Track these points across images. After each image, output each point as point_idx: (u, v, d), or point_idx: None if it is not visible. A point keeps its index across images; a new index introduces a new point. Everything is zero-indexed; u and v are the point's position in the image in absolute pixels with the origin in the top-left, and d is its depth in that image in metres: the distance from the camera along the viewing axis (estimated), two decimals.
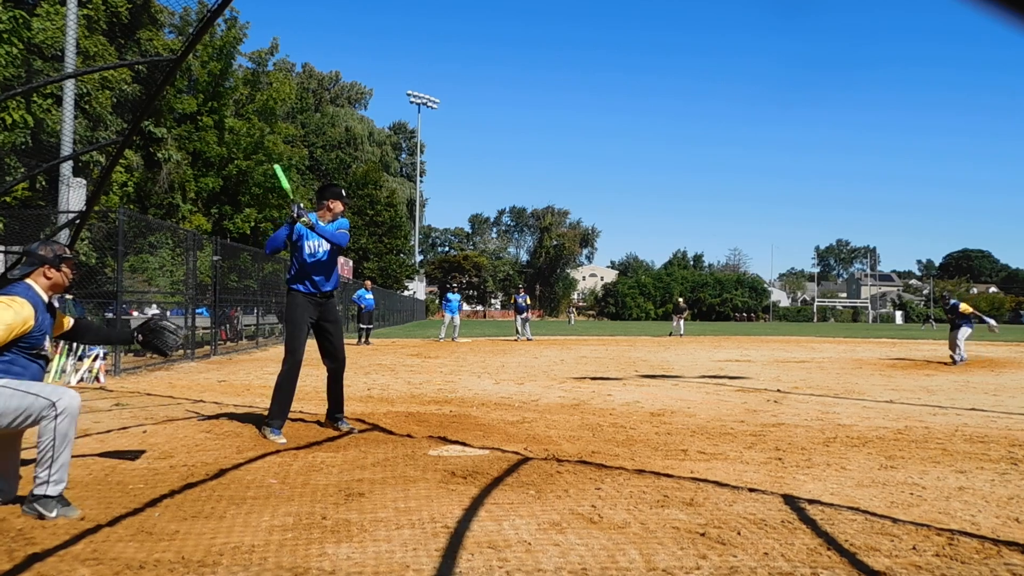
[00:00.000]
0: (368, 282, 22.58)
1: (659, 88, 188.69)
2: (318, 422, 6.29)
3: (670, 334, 28.78)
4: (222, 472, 4.31)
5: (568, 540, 3.07)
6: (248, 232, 26.19)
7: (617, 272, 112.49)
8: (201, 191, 25.05)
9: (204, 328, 16.20)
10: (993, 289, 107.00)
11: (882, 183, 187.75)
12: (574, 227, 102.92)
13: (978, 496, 3.94)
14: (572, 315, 50.83)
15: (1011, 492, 4.04)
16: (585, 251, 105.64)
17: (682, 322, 28.92)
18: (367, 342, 20.83)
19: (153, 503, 3.59)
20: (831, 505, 3.69)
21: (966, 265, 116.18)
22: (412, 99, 49.54)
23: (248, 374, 11.02)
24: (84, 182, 14.18)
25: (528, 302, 24.52)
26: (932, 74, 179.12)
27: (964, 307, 14.64)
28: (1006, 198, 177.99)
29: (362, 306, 21.36)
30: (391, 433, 5.77)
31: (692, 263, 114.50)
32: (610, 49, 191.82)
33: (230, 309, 18.73)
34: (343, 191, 6.08)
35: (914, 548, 3.02)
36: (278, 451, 4.98)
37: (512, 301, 23.94)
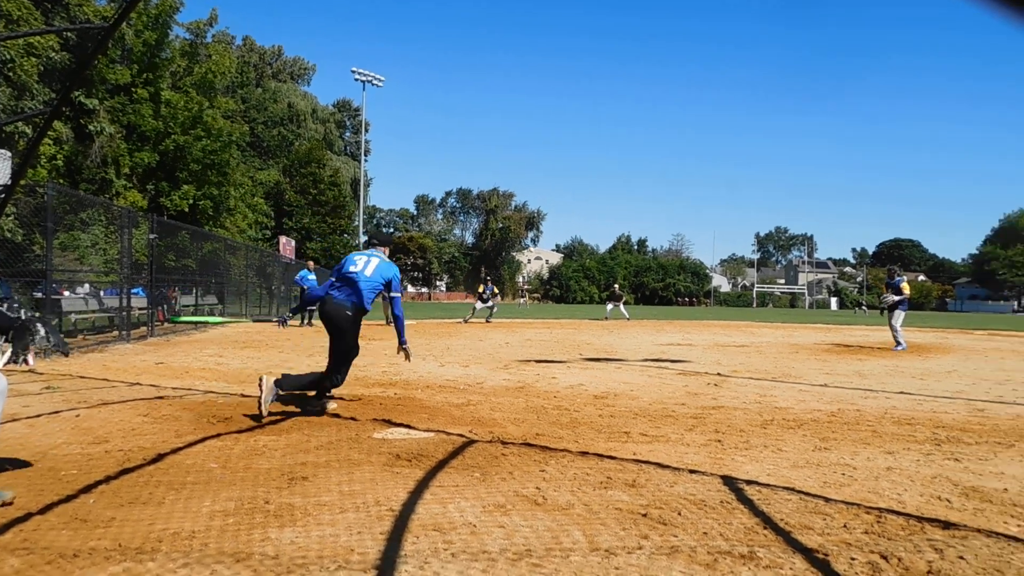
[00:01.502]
0: (311, 263, 22.20)
1: (605, 72, 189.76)
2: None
3: (605, 318, 29.18)
4: (160, 457, 4.21)
5: (513, 522, 3.10)
6: (186, 209, 25.49)
7: (562, 255, 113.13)
8: (136, 166, 24.23)
9: (140, 309, 15.73)
10: (922, 277, 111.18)
11: (821, 172, 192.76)
12: (520, 210, 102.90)
13: (904, 476, 4.11)
14: (524, 299, 50.89)
15: (934, 472, 4.23)
16: (531, 234, 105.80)
17: (622, 306, 29.25)
18: (310, 323, 20.53)
19: (87, 489, 3.49)
20: (768, 486, 3.80)
21: (897, 254, 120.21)
22: (357, 76, 48.58)
23: (187, 356, 10.76)
24: (8, 154, 13.54)
25: (495, 292, 25.54)
26: (877, 63, 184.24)
27: (905, 286, 14.77)
28: (935, 191, 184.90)
29: (304, 287, 21.00)
30: (335, 416, 5.72)
31: (636, 248, 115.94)
32: (556, 32, 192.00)
33: (168, 289, 18.22)
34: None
35: (845, 526, 3.14)
36: (219, 435, 4.89)
37: (480, 291, 24.96)
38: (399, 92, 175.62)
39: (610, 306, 29.80)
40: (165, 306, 18.00)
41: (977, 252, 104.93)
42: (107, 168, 23.57)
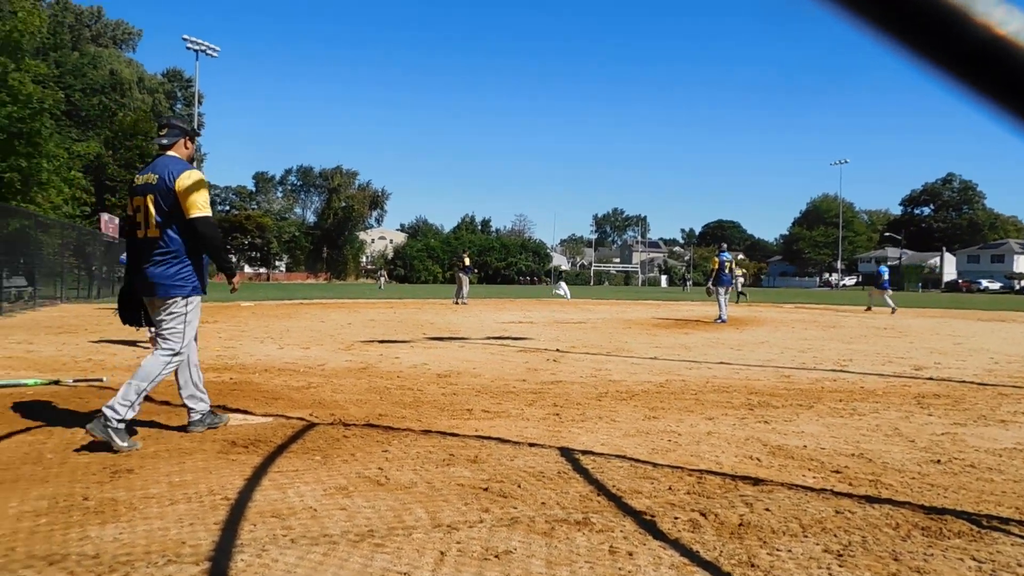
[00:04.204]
0: None
1: (448, 48, 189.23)
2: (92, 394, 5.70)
3: (560, 295, 32.07)
4: None
5: (355, 503, 3.08)
6: None
7: (407, 235, 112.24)
8: None
9: None
10: (741, 256, 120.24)
11: (654, 156, 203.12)
12: (363, 189, 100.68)
13: (722, 439, 4.48)
14: (382, 279, 49.97)
15: (747, 434, 4.63)
16: (375, 213, 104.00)
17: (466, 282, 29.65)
18: None
19: None
20: (602, 455, 4.01)
21: (720, 234, 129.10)
22: (189, 45, 45.24)
23: None
24: None
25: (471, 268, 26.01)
26: (704, 54, 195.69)
27: (714, 263, 16.56)
28: (753, 177, 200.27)
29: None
30: (165, 404, 5.40)
31: (480, 228, 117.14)
32: (400, 5, 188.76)
33: None
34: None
35: (670, 488, 3.38)
36: (28, 429, 4.48)
37: (460, 267, 24.87)
38: (236, 64, 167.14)
39: (562, 287, 33.13)
40: None
41: (787, 233, 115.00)
42: None
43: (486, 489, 3.31)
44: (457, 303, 24.80)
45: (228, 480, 3.40)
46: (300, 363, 8.02)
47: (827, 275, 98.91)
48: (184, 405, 4.51)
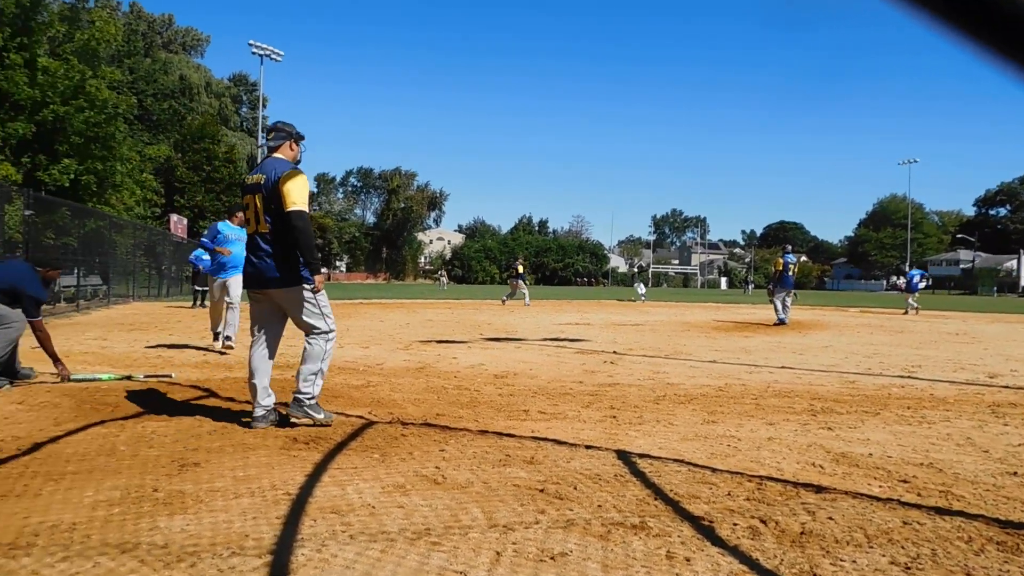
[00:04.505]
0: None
1: (508, 50, 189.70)
2: (153, 387, 5.92)
3: (639, 299, 32.39)
4: (37, 446, 3.98)
5: (412, 501, 3.12)
6: (67, 185, 23.91)
7: (464, 236, 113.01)
8: (9, 137, 22.51)
9: None
10: (804, 258, 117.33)
11: (714, 156, 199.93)
12: (422, 190, 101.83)
13: (783, 445, 4.38)
14: (443, 279, 50.40)
15: (810, 440, 4.52)
16: (433, 214, 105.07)
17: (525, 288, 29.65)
18: (203, 304, 19.75)
19: None
20: (659, 458, 3.97)
21: (782, 235, 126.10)
22: (254, 50, 46.51)
23: (67, 340, 10.16)
24: None
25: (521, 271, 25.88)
26: (764, 56, 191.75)
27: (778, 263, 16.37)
28: (817, 177, 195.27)
29: (200, 267, 20.14)
30: (230, 399, 5.56)
31: (537, 229, 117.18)
32: (458, 8, 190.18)
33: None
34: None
35: (729, 494, 3.32)
36: (103, 422, 4.67)
37: (515, 273, 25.55)
38: (299, 67, 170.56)
39: (642, 287, 33.83)
40: None
41: (852, 235, 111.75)
42: None
43: (542, 490, 3.30)
44: (504, 302, 25.00)
45: (290, 476, 3.48)
46: (359, 362, 8.15)
47: (894, 278, 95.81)
48: (255, 404, 4.66)
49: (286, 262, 4.51)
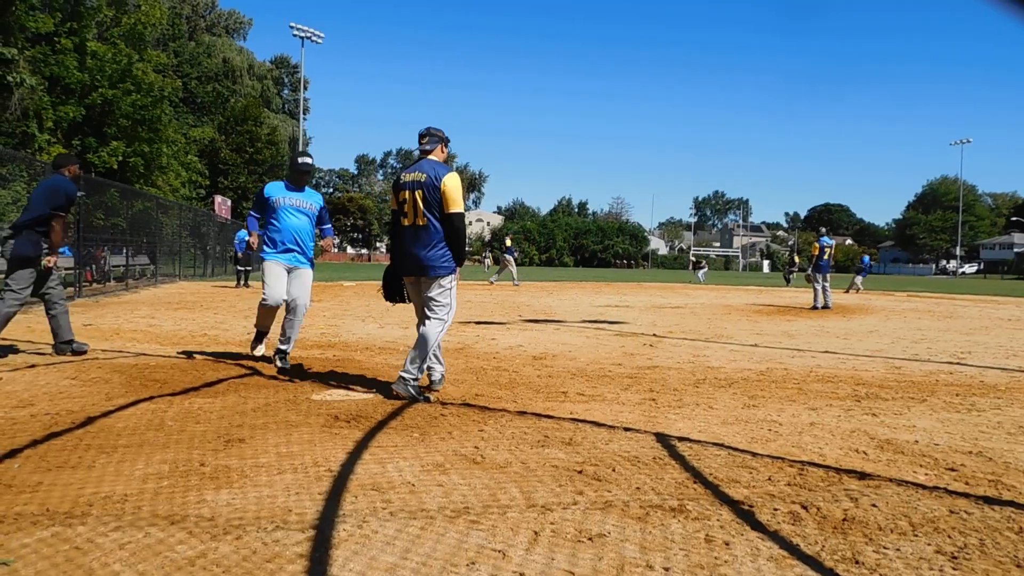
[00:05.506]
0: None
1: (546, 32, 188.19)
2: (205, 361, 6.05)
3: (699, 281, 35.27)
4: (90, 420, 4.11)
5: (451, 480, 3.15)
6: (115, 167, 24.49)
7: (503, 218, 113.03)
8: (61, 120, 23.09)
9: (67, 269, 15.14)
10: (849, 241, 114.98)
11: (757, 137, 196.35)
12: (461, 171, 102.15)
13: (826, 430, 4.31)
14: (488, 259, 50.29)
15: (853, 426, 4.44)
16: (472, 196, 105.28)
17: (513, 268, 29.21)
18: (246, 284, 20.12)
19: (12, 454, 3.39)
20: (698, 442, 3.94)
21: (827, 218, 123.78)
22: (295, 32, 46.86)
23: (117, 318, 10.45)
24: None
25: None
26: (798, 44, 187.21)
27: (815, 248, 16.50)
28: (863, 158, 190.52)
29: (243, 250, 20.50)
30: (273, 378, 5.66)
31: (576, 210, 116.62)
32: None
33: (96, 249, 17.56)
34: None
35: (769, 479, 3.29)
36: (151, 398, 4.80)
37: (504, 248, 26.49)
38: (339, 49, 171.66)
39: (700, 274, 36.48)
40: (94, 266, 17.36)
41: (900, 217, 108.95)
42: (28, 122, 22.39)
43: (580, 472, 3.31)
44: (492, 282, 25.10)
45: (332, 453, 3.54)
46: (400, 342, 8.23)
47: (944, 262, 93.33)
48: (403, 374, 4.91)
49: (438, 253, 4.94)
